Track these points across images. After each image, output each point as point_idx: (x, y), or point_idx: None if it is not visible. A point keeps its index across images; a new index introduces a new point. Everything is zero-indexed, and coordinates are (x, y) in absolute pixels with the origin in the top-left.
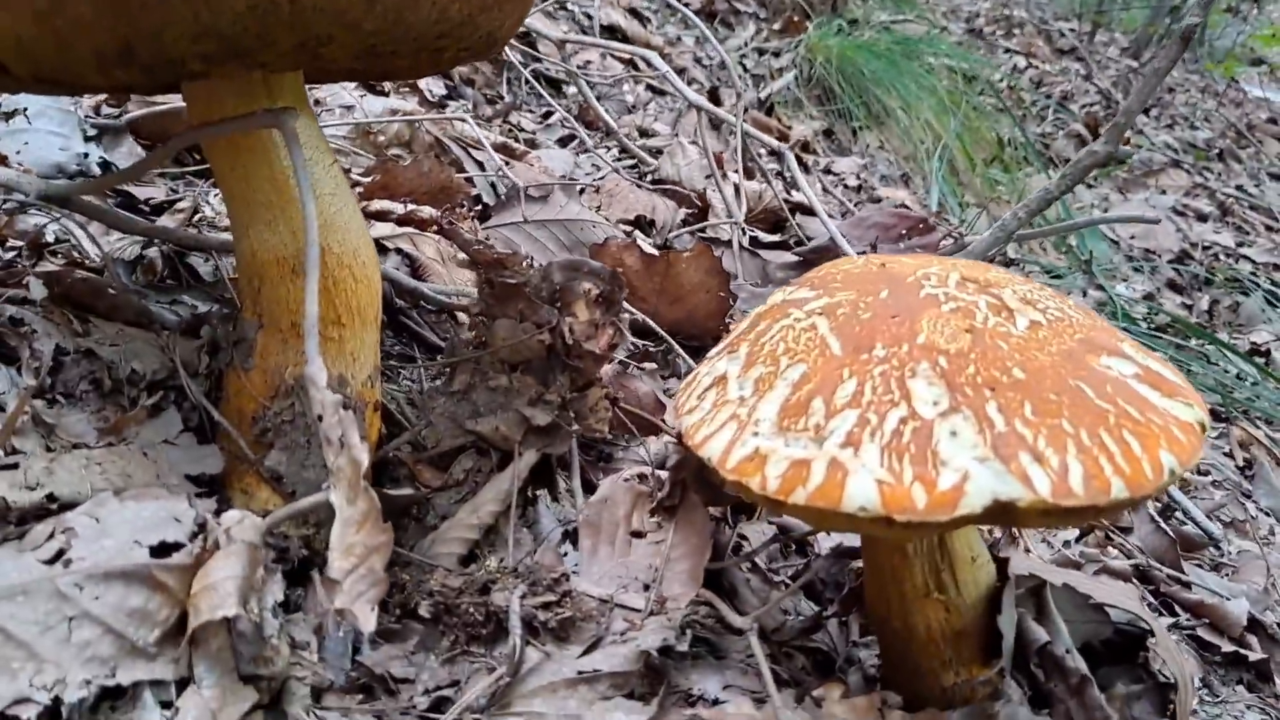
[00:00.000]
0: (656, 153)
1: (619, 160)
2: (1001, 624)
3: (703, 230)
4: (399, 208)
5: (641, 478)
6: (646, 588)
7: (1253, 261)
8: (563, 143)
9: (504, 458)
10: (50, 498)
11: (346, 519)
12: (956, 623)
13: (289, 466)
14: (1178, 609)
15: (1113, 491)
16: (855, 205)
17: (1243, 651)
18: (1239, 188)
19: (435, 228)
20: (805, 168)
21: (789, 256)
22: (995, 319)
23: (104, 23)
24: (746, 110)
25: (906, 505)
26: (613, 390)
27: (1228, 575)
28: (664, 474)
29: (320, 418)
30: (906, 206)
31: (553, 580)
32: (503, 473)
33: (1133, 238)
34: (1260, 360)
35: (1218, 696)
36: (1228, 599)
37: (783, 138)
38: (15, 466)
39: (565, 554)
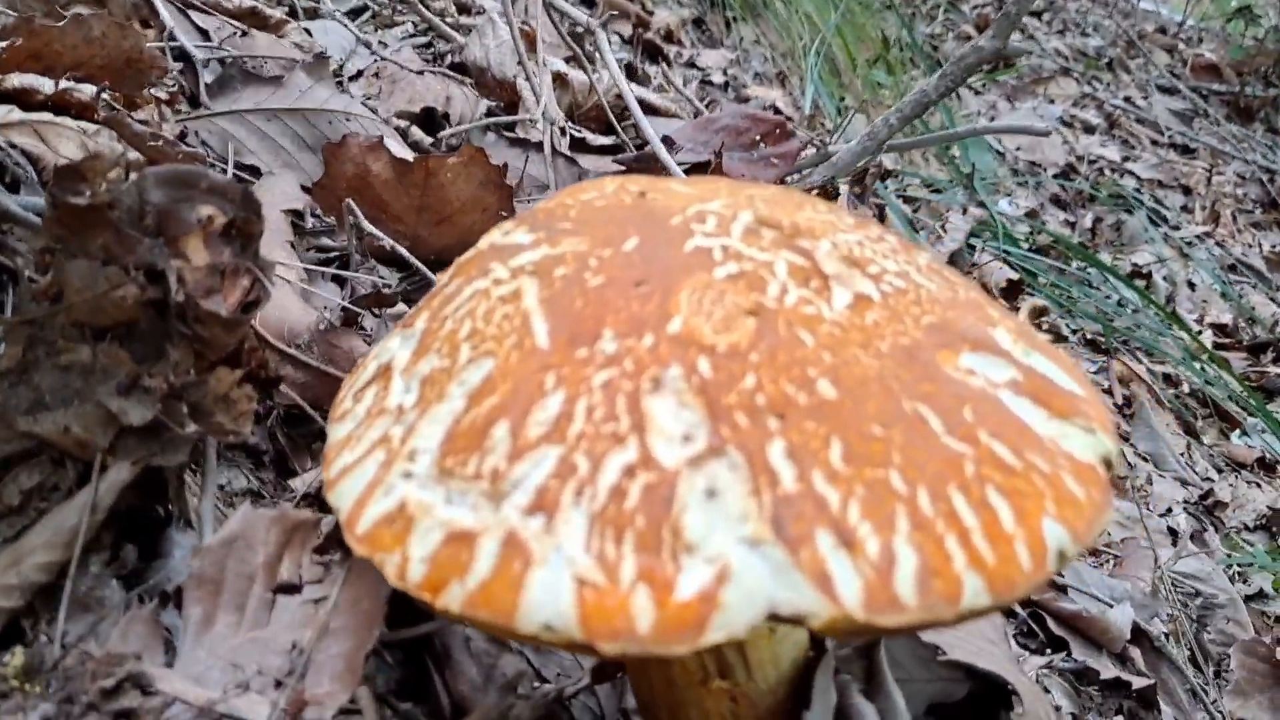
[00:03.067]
0: (468, 30)
1: (412, 37)
2: None
3: (510, 128)
4: (50, 85)
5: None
6: (280, 683)
7: (1137, 178)
8: (355, 14)
9: (88, 466)
10: None
11: None
12: (749, 716)
13: None
14: (1050, 622)
15: (965, 598)
16: (707, 105)
17: (1125, 678)
18: (1127, 99)
19: (102, 119)
20: (665, 60)
21: (613, 165)
22: (799, 292)
23: None
24: None
25: (619, 626)
26: (272, 365)
27: (1108, 565)
28: None
29: None
30: (778, 109)
31: (104, 690)
32: (75, 498)
33: (1018, 149)
34: (1141, 284)
35: None
36: (1110, 604)
37: (641, 24)
38: None
39: (173, 625)
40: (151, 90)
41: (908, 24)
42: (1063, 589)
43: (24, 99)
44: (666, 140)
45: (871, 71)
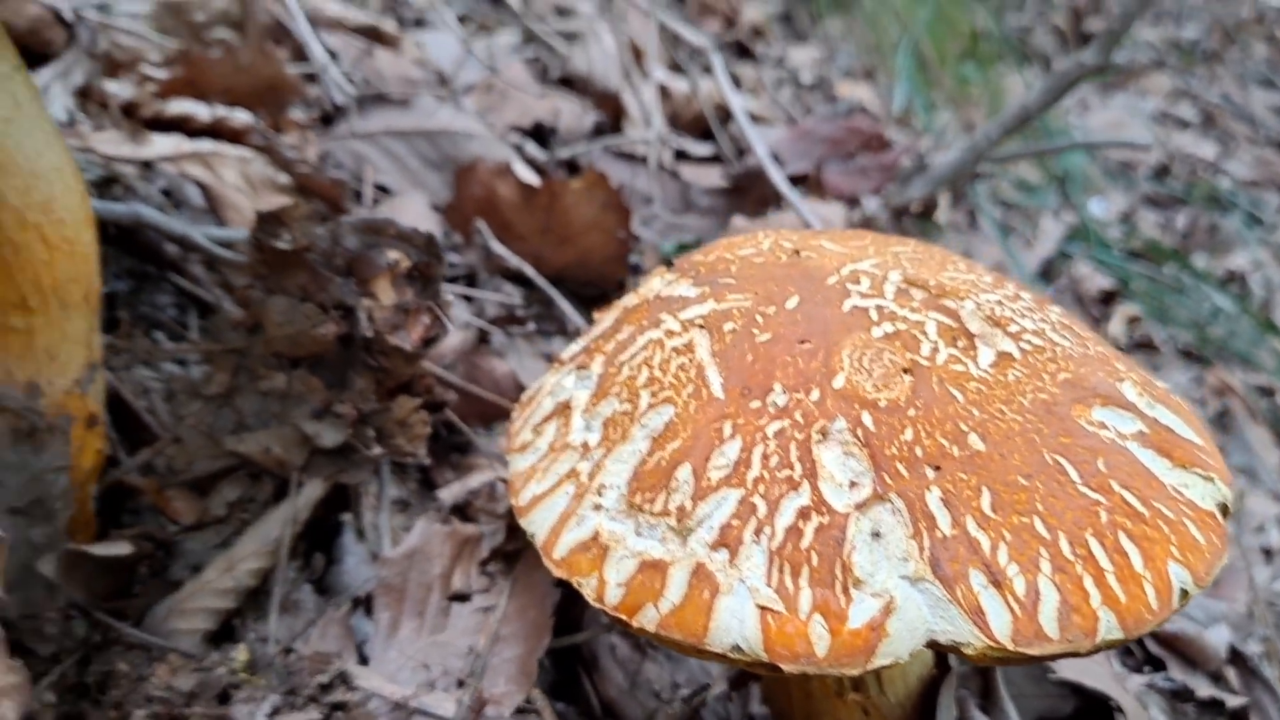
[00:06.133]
0: (573, 38)
1: (518, 50)
2: None
3: (615, 143)
4: (205, 111)
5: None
6: (462, 682)
7: (1233, 178)
8: (460, 21)
9: (283, 484)
10: None
11: None
12: None
13: None
14: (1149, 641)
15: (1100, 631)
16: (804, 111)
17: (1220, 697)
18: (1224, 96)
19: (253, 143)
20: (753, 57)
21: (716, 179)
22: (949, 351)
23: None
24: None
25: (799, 649)
26: (440, 392)
27: None
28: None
29: None
30: (865, 110)
31: (321, 685)
32: (275, 510)
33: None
34: (1236, 289)
35: None
36: (1205, 626)
37: (729, 22)
38: None
39: (361, 629)
40: (292, 113)
41: (997, 17)
42: None
43: (184, 125)
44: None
45: (961, 66)
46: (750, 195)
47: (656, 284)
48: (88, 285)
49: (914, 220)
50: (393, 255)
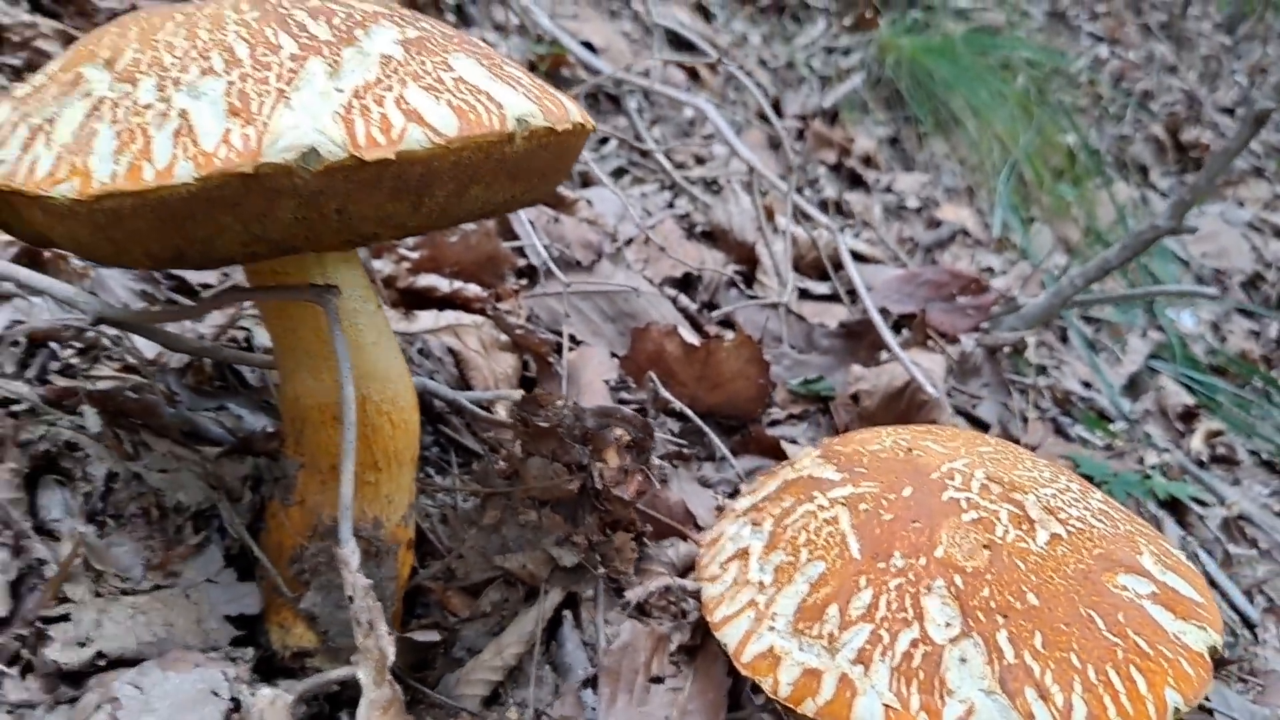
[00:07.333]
0: (713, 184)
1: (669, 207)
2: None
3: (750, 284)
4: (445, 284)
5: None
6: None
7: None
8: (617, 174)
9: (532, 588)
10: (99, 654)
11: (373, 700)
12: None
13: (324, 608)
14: None
15: None
16: (910, 247)
17: None
18: None
19: (479, 308)
20: (865, 186)
21: (833, 322)
22: (1015, 532)
23: (158, 235)
24: (801, 175)
25: None
26: (640, 525)
27: (1254, 692)
28: (688, 585)
29: (351, 599)
30: (967, 231)
31: None
32: (527, 611)
33: (1204, 255)
34: None
35: None
36: None
37: (845, 151)
38: (66, 618)
39: (586, 700)
40: (507, 281)
41: (1097, 127)
42: (1210, 712)
43: (427, 295)
44: (874, 291)
45: (1058, 185)
46: (864, 339)
47: (807, 463)
48: (413, 450)
49: (1007, 357)
50: (618, 432)
